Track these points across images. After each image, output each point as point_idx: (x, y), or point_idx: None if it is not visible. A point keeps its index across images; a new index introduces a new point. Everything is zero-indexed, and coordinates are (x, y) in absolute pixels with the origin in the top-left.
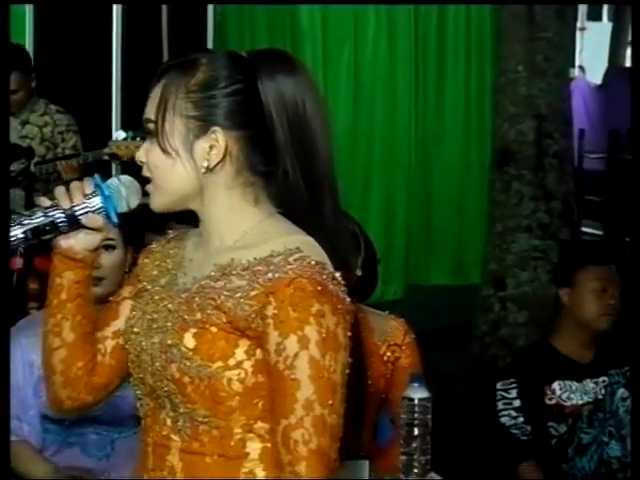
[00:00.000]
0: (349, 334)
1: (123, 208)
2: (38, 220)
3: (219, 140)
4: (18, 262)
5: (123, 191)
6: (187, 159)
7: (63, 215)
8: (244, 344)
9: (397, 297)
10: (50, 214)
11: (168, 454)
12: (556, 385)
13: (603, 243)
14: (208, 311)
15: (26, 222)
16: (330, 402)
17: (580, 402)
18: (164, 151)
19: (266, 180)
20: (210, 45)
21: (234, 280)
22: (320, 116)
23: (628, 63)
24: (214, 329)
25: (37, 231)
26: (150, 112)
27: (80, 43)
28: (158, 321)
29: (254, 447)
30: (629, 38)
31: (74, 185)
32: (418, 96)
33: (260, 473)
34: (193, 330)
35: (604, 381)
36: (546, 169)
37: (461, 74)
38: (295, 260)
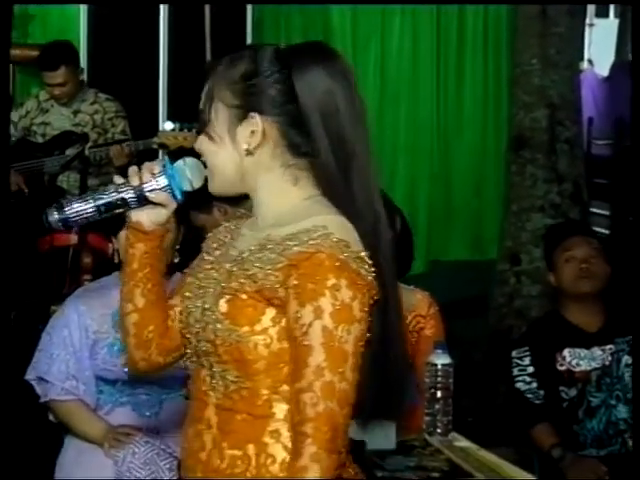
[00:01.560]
0: (366, 309)
1: (187, 187)
2: (111, 196)
3: (258, 125)
4: (73, 238)
5: (187, 172)
6: (231, 144)
7: (132, 192)
8: (271, 312)
9: (420, 271)
10: (121, 191)
11: (206, 409)
12: (566, 352)
13: (566, 221)
14: (241, 280)
15: (99, 198)
16: (340, 370)
17: (588, 368)
18: (211, 138)
19: (306, 163)
20: (249, 41)
21: (267, 253)
22: (351, 102)
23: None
24: (244, 296)
25: (109, 206)
26: (201, 103)
27: (130, 40)
28: (204, 287)
29: (280, 408)
30: None
31: (145, 165)
32: (440, 87)
33: (285, 433)
34: (227, 297)
35: (610, 348)
36: (558, 154)
37: (479, 67)
38: (318, 236)
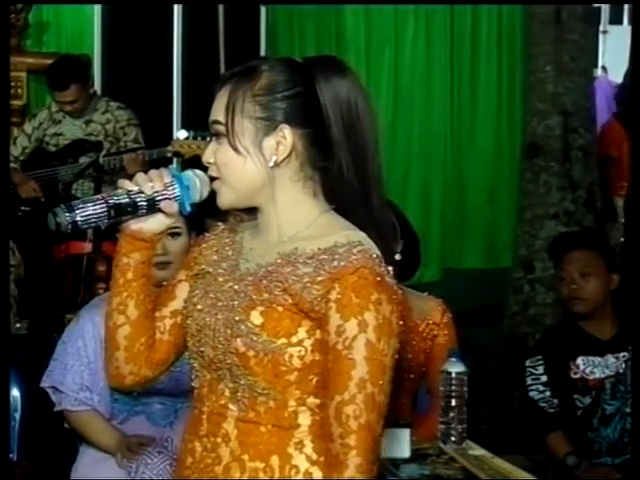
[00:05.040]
0: (400, 322)
1: (195, 199)
2: (122, 201)
3: (286, 137)
4: (87, 247)
5: (197, 183)
6: (257, 156)
7: (144, 199)
8: (306, 324)
9: (434, 280)
10: (133, 196)
11: (224, 422)
12: (580, 360)
13: (563, 234)
14: (275, 292)
15: (111, 201)
16: (380, 382)
17: (602, 376)
18: (235, 150)
19: (322, 176)
20: (262, 47)
21: (300, 267)
22: (369, 114)
23: None
24: (280, 309)
25: (119, 210)
26: (217, 115)
27: (144, 47)
28: (222, 300)
29: (305, 419)
30: None
31: (154, 173)
32: (453, 94)
33: (308, 444)
34: (260, 308)
35: (624, 356)
36: (572, 161)
37: (493, 73)
38: (359, 252)
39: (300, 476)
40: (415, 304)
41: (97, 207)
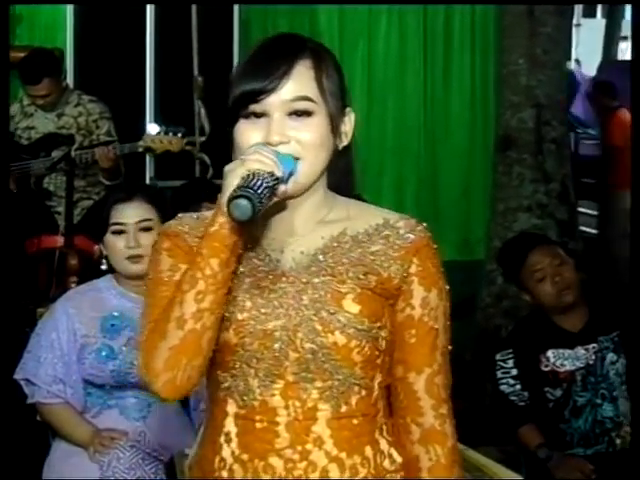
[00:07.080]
0: None
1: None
2: (270, 183)
3: (352, 119)
4: (59, 240)
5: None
6: (336, 137)
7: (277, 182)
8: (386, 304)
9: None
10: (273, 179)
11: (314, 425)
12: (550, 353)
13: (520, 236)
14: (359, 276)
15: (269, 184)
16: (450, 347)
17: (573, 368)
18: (333, 131)
19: None
20: (235, 42)
21: (369, 246)
22: None
23: (620, 57)
24: (368, 292)
25: (271, 191)
26: (305, 90)
27: (117, 41)
28: (289, 298)
29: (381, 403)
30: (621, 34)
31: (268, 155)
32: (427, 88)
33: (384, 427)
34: (350, 296)
35: (594, 347)
36: (545, 154)
37: (466, 67)
38: (417, 223)
39: (386, 460)
40: None
41: (266, 189)
